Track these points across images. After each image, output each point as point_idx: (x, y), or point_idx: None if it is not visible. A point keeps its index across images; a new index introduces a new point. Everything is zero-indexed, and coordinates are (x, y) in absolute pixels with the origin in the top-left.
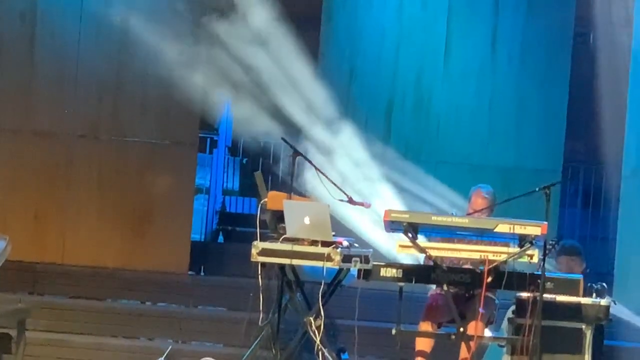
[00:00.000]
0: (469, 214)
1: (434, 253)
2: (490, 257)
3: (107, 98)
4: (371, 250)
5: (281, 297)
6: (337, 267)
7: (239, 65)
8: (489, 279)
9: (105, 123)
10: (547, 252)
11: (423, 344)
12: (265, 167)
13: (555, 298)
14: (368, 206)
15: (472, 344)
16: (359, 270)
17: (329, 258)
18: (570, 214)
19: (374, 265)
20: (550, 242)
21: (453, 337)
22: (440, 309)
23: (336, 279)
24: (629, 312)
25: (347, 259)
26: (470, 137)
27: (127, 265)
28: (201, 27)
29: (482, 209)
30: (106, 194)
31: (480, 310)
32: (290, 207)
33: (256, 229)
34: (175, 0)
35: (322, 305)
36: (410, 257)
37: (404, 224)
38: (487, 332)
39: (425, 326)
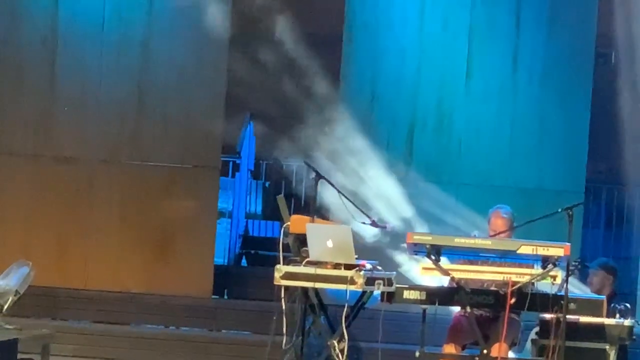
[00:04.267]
0: (491, 236)
1: (457, 275)
2: (514, 278)
3: (129, 122)
4: (394, 272)
5: (304, 320)
6: (360, 290)
7: (261, 87)
8: (512, 301)
9: (126, 147)
10: (570, 273)
11: None
12: (287, 191)
13: (578, 319)
14: (391, 229)
15: None
16: (382, 293)
17: (352, 281)
18: (593, 235)
19: (397, 287)
20: (574, 263)
21: (477, 359)
22: (464, 331)
23: (359, 302)
24: None
25: (370, 281)
26: (491, 158)
27: (150, 290)
28: (223, 50)
29: (504, 231)
30: (128, 218)
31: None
32: (313, 230)
33: (279, 252)
34: (196, 24)
35: (346, 328)
36: (432, 279)
37: (427, 247)
38: (511, 354)
39: (449, 348)
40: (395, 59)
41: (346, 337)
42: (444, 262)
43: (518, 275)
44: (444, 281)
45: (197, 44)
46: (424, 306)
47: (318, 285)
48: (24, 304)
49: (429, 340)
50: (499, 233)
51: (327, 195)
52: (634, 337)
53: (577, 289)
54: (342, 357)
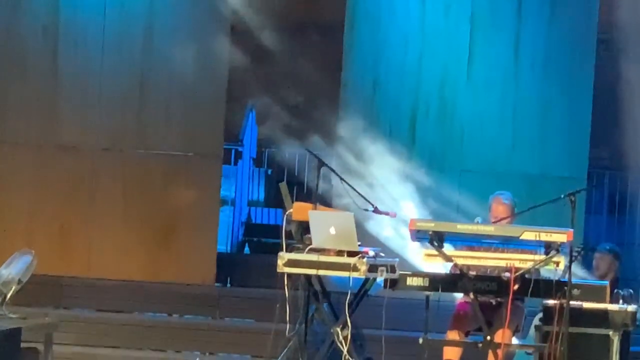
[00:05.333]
0: (494, 222)
1: (460, 261)
2: (517, 264)
3: (131, 111)
4: (397, 259)
5: (308, 307)
6: (363, 277)
7: (263, 75)
8: (516, 287)
9: (129, 136)
10: (573, 259)
11: (451, 353)
12: (290, 178)
13: (582, 305)
14: (394, 216)
15: (499, 352)
16: (386, 280)
17: (355, 268)
18: (596, 221)
19: (400, 274)
20: (577, 249)
21: (480, 345)
22: (467, 317)
23: (363, 289)
24: None
25: (373, 268)
26: (494, 145)
27: (153, 278)
28: (225, 38)
29: (506, 217)
30: (131, 206)
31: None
32: (315, 217)
33: (282, 239)
34: (198, 12)
35: (349, 315)
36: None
37: (430, 233)
38: (515, 340)
39: (453, 335)
40: (397, 46)
41: (349, 324)
42: (446, 248)
43: (521, 261)
44: (447, 268)
45: (199, 32)
46: (427, 293)
47: (321, 272)
48: (27, 293)
49: (432, 327)
50: (501, 219)
51: (331, 182)
52: (638, 322)
53: (581, 275)
54: (346, 344)
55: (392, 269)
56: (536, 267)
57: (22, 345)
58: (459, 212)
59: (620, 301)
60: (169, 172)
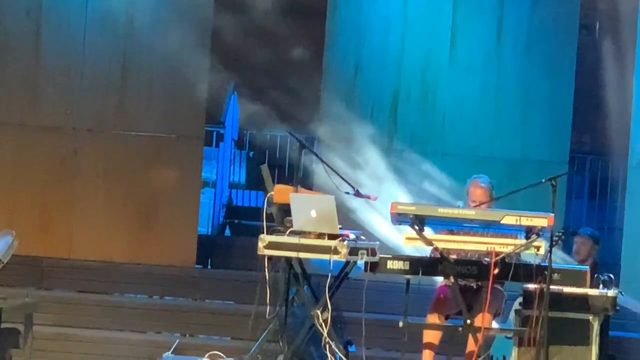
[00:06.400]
0: (474, 206)
1: (440, 245)
2: (497, 249)
3: (113, 92)
4: (378, 242)
5: (288, 290)
6: (344, 260)
7: (245, 57)
8: (496, 271)
9: (111, 117)
10: (554, 243)
11: (430, 336)
12: (271, 160)
13: (562, 289)
14: (374, 199)
15: (479, 336)
16: (366, 263)
17: (335, 251)
18: (576, 205)
19: (380, 257)
20: (557, 233)
21: (460, 329)
22: (447, 301)
23: (343, 272)
24: (635, 302)
25: (353, 251)
26: (476, 129)
27: (134, 259)
28: (207, 20)
29: (485, 201)
30: (112, 188)
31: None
32: (296, 200)
33: (263, 222)
34: None
35: (329, 298)
36: (416, 249)
37: (411, 216)
38: (495, 324)
39: (433, 318)
40: (379, 29)
41: (330, 307)
42: (427, 232)
43: (501, 245)
44: (427, 251)
45: (182, 13)
46: (407, 276)
47: (302, 255)
48: (7, 273)
49: (412, 310)
50: (480, 204)
51: (312, 165)
52: (618, 307)
53: (561, 259)
54: (326, 327)
55: (373, 252)
56: (517, 251)
57: (2, 325)
58: (440, 195)
59: (601, 286)
60: (150, 154)
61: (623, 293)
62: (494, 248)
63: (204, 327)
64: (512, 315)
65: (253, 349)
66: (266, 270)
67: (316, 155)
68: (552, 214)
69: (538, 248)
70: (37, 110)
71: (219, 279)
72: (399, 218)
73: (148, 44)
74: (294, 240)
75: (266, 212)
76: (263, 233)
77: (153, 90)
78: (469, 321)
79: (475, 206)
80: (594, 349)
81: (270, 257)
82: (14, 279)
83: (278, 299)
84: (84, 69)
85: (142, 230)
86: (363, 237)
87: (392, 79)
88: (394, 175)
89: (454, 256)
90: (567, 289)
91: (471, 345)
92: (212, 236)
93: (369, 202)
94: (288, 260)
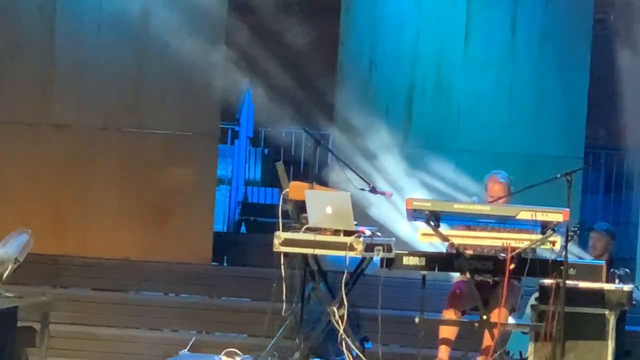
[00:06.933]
0: (491, 202)
1: (456, 241)
2: (513, 244)
3: (128, 90)
4: (394, 238)
5: (304, 287)
6: (359, 256)
7: (260, 55)
8: (512, 266)
9: (125, 115)
10: (569, 238)
11: (447, 332)
12: (286, 157)
13: (577, 284)
14: (390, 195)
15: (495, 331)
16: (382, 259)
17: (351, 247)
18: (592, 200)
19: (396, 253)
20: (573, 228)
21: (477, 324)
22: (463, 296)
23: (359, 268)
24: None
25: (369, 247)
26: (490, 124)
27: (150, 257)
28: (222, 18)
29: (503, 196)
30: (127, 186)
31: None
32: (312, 197)
33: (278, 219)
34: None
35: (345, 294)
36: (433, 245)
37: (426, 212)
38: (511, 320)
39: (449, 314)
40: (394, 25)
41: (346, 303)
42: (443, 228)
43: (517, 240)
44: (443, 247)
45: (196, 11)
46: (423, 272)
47: (317, 251)
48: (23, 272)
49: (428, 306)
50: (497, 199)
51: (327, 162)
52: (634, 302)
53: (577, 254)
54: (342, 324)
55: (389, 249)
56: (532, 246)
57: (19, 324)
58: (456, 191)
59: (617, 280)
60: (165, 152)
61: (639, 287)
62: (509, 243)
63: (220, 324)
64: (528, 310)
65: (269, 346)
66: (282, 267)
67: (331, 151)
68: (568, 209)
69: (554, 243)
70: (51, 109)
71: (235, 276)
72: (414, 214)
73: (162, 41)
74: (310, 237)
75: (282, 209)
76: (278, 230)
77: (167, 88)
78: (485, 317)
79: (492, 201)
80: (610, 344)
81: (286, 254)
82: (29, 277)
83: (294, 296)
84: (98, 66)
85: (157, 228)
86: (379, 234)
87: (407, 75)
88: (409, 171)
89: (470, 252)
90: (583, 284)
91: (487, 341)
92: (228, 233)
93: (384, 198)
94: (304, 257)
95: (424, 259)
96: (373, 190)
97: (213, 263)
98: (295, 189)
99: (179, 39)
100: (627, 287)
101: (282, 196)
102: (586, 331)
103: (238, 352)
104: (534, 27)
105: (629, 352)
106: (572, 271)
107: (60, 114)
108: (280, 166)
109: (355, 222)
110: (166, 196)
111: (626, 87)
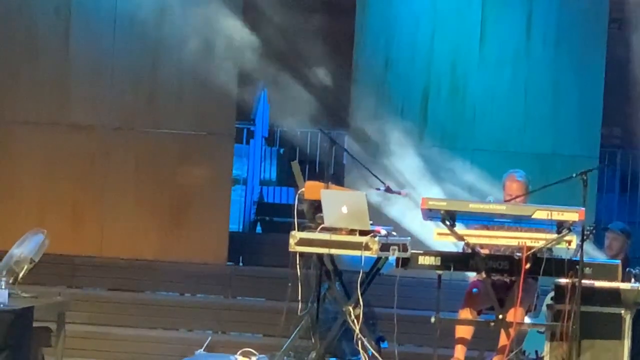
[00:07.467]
0: (506, 201)
1: (472, 240)
2: (529, 243)
3: (143, 90)
4: (409, 238)
5: (320, 286)
6: (375, 256)
7: (275, 54)
8: (528, 266)
9: (141, 115)
10: (585, 238)
11: (463, 332)
12: (302, 157)
13: (593, 284)
14: (405, 195)
15: (511, 330)
16: (397, 259)
17: (367, 247)
18: (608, 199)
19: (412, 253)
20: (588, 227)
21: (493, 324)
22: (480, 296)
23: (374, 268)
24: None
25: (385, 247)
26: (506, 123)
27: (165, 257)
28: (237, 17)
29: (520, 195)
30: (143, 185)
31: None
32: (327, 196)
33: (294, 218)
34: None
35: (361, 294)
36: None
37: (442, 212)
38: (527, 319)
39: (465, 314)
40: (409, 25)
41: (361, 303)
42: (458, 227)
43: (533, 240)
44: (459, 247)
45: (212, 10)
46: (439, 271)
47: (333, 251)
48: (39, 272)
49: (444, 306)
50: (515, 197)
51: (343, 162)
52: None
53: (592, 253)
54: (358, 323)
55: (404, 248)
56: (548, 246)
57: (35, 324)
58: (471, 190)
59: (632, 280)
60: (181, 151)
61: None
62: (525, 243)
63: (235, 324)
64: (544, 309)
65: (285, 345)
66: (298, 266)
67: (346, 151)
68: (583, 209)
69: (569, 242)
70: (67, 109)
71: (251, 276)
72: (429, 214)
73: (178, 41)
74: (325, 236)
75: (297, 209)
76: (294, 230)
77: (183, 88)
78: (501, 316)
79: (509, 200)
80: (626, 343)
81: (301, 254)
82: (45, 277)
83: (310, 296)
84: (113, 66)
85: (173, 227)
86: (394, 233)
87: (422, 75)
88: (425, 171)
89: (485, 251)
90: (599, 283)
91: (503, 340)
92: (244, 233)
93: (400, 197)
94: (319, 256)
95: (439, 258)
96: (388, 189)
97: (228, 263)
98: (310, 189)
99: (195, 38)
100: None
101: (297, 196)
102: (602, 331)
103: (254, 351)
104: (549, 27)
105: None
106: (587, 270)
107: (76, 114)
108: (295, 165)
109: (371, 222)
110: (182, 196)
111: None
